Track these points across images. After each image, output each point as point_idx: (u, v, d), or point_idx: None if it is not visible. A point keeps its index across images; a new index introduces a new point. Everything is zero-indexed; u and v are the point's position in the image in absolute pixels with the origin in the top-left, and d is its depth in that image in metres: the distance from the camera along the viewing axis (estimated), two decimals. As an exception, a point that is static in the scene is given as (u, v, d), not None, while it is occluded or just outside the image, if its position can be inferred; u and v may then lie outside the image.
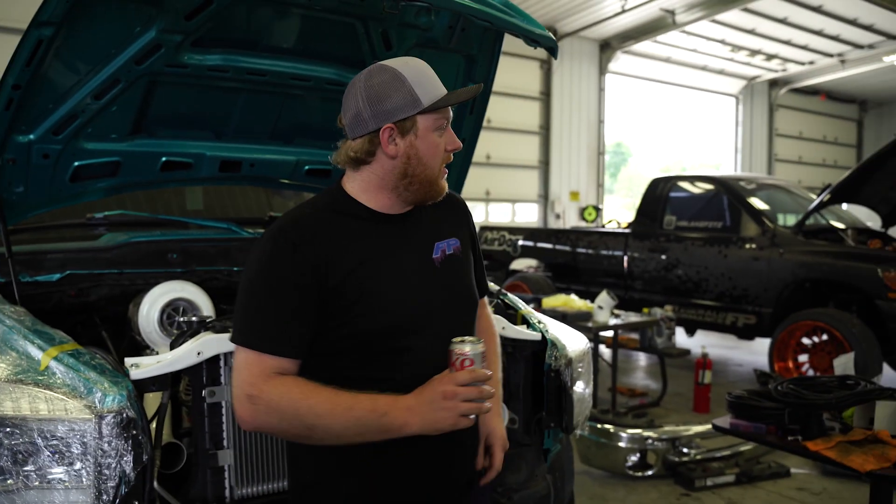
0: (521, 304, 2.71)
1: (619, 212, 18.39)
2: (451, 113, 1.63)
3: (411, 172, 1.58)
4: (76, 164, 2.54)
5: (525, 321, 2.54)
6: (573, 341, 2.56)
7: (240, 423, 1.49)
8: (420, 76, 1.58)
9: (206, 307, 2.39)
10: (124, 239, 2.65)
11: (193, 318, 2.02)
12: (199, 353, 1.87)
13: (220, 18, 2.37)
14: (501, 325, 2.34)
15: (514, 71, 13.30)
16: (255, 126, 2.81)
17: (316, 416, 1.42)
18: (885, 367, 6.50)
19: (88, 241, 2.71)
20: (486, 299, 1.90)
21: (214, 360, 1.91)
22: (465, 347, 1.47)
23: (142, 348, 2.34)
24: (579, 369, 2.50)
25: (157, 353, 2.17)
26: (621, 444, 4.50)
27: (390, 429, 1.43)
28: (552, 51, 2.52)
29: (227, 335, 1.90)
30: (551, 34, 2.50)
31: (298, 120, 2.86)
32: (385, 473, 1.57)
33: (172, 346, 1.94)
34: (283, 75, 2.64)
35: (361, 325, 1.52)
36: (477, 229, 1.87)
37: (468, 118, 3.07)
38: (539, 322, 2.53)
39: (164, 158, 2.69)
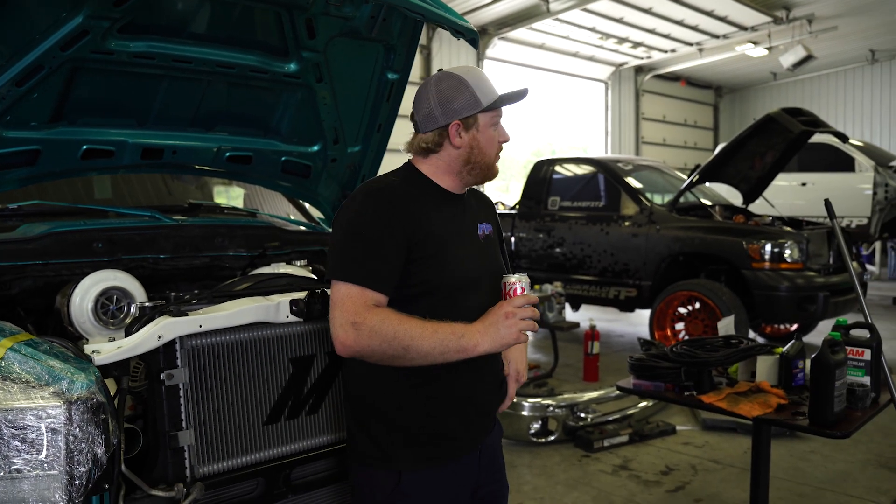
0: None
1: (493, 194, 18.81)
2: (502, 114, 2.00)
3: (473, 160, 1.94)
4: (-7, 152, 2.47)
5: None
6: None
7: (341, 350, 1.75)
8: (480, 81, 1.94)
9: (139, 295, 2.38)
10: (45, 229, 2.58)
11: (147, 304, 2.04)
12: (159, 337, 1.90)
13: (148, 5, 2.37)
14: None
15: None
16: (178, 113, 2.80)
17: (410, 337, 1.70)
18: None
19: (4, 233, 2.63)
20: None
21: (171, 343, 1.95)
22: (515, 278, 1.82)
23: (73, 339, 2.32)
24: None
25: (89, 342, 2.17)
26: (524, 413, 4.77)
27: (466, 348, 1.74)
28: (474, 42, 2.66)
29: (185, 318, 1.95)
30: (473, 26, 2.65)
31: (220, 107, 2.88)
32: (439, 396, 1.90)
33: (128, 332, 1.96)
34: (208, 62, 2.65)
35: (432, 276, 1.85)
36: None
37: (385, 105, 3.17)
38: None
39: (85, 146, 2.65)
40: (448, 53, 15.08)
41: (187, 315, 1.96)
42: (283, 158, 3.17)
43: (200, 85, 2.77)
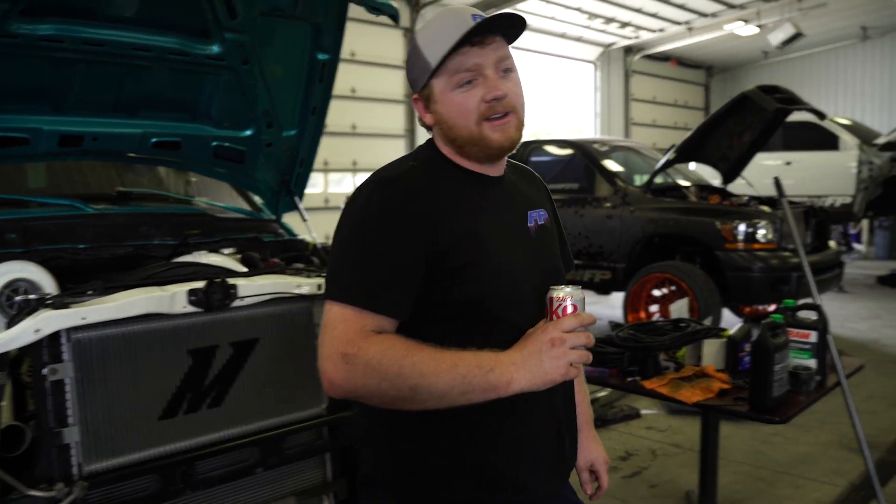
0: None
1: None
2: (481, 62, 1.44)
3: (452, 136, 1.49)
4: None
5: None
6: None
7: (328, 389, 1.33)
8: (432, 35, 1.47)
9: (49, 286, 2.31)
10: (-45, 220, 2.52)
11: (31, 297, 1.97)
12: (37, 331, 1.83)
13: (48, -15, 2.29)
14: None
15: (377, 39, 13.18)
16: (97, 98, 2.72)
17: (420, 374, 1.29)
18: (726, 312, 7.06)
19: (-85, 225, 2.56)
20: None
21: (56, 336, 1.88)
22: (565, 293, 1.36)
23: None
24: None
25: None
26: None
27: (497, 385, 1.30)
28: (394, 18, 2.59)
29: (66, 311, 1.87)
30: (391, 3, 2.56)
31: (143, 91, 2.80)
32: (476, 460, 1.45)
33: (10, 325, 1.89)
34: (124, 45, 2.57)
35: (471, 290, 1.41)
36: None
37: (318, 86, 3.09)
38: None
39: None
40: (433, 36, 14.90)
41: (69, 307, 1.89)
42: (214, 143, 3.10)
43: (119, 69, 2.68)
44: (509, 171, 1.60)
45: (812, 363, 3.01)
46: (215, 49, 2.78)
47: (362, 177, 12.78)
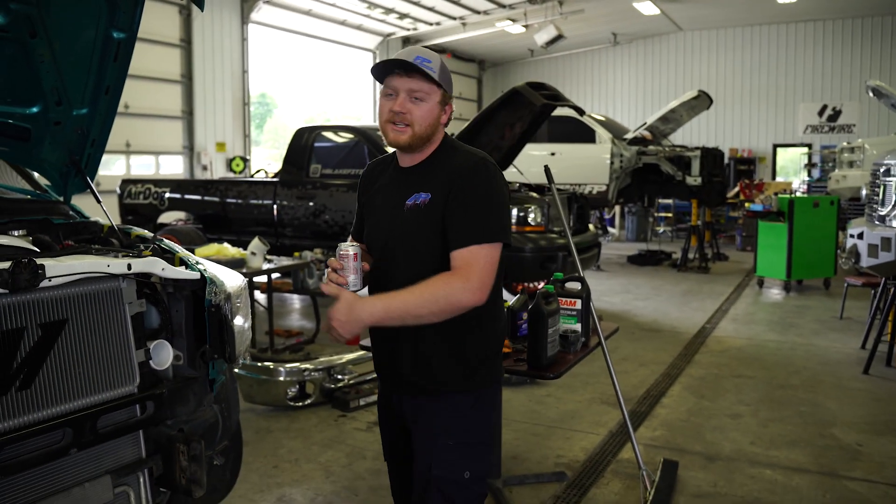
0: (178, 248, 2.81)
1: (267, 163, 18.44)
2: (396, 83, 2.07)
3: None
4: None
5: (183, 263, 2.65)
6: (230, 278, 2.74)
7: None
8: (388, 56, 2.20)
9: None
10: None
11: None
12: None
13: None
14: (161, 266, 2.43)
15: (152, 15, 12.54)
16: None
17: None
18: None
19: None
20: (461, 253, 2.02)
21: None
22: (343, 245, 2.11)
23: None
24: (238, 304, 2.69)
25: None
26: (281, 379, 4.80)
27: None
28: (198, 3, 2.62)
29: None
30: (197, -12, 2.60)
31: None
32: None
33: None
34: None
35: (366, 234, 2.29)
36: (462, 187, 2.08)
37: (112, 65, 3.02)
38: (197, 263, 2.66)
39: None
40: (211, 14, 14.45)
41: None
42: (-5, 119, 2.93)
43: None
44: (439, 163, 2.15)
45: (577, 327, 3.47)
46: (-1, 20, 2.64)
47: (137, 159, 12.09)
